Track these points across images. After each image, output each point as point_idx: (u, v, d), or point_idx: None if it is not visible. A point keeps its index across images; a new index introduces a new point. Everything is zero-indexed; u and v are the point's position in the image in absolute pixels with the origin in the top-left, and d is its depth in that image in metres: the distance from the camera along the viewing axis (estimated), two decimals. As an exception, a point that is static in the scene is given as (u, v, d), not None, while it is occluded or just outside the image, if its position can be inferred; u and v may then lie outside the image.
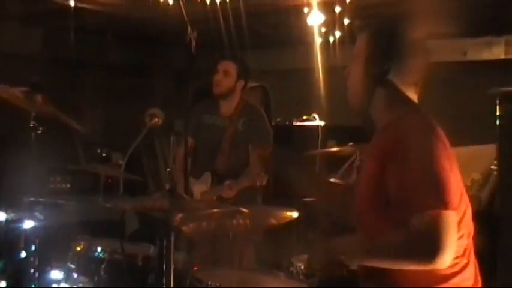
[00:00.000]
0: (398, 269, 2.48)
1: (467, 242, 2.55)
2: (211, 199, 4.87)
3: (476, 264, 2.64)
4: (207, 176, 5.11)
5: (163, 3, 5.21)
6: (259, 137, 5.08)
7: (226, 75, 5.05)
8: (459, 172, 2.53)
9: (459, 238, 2.46)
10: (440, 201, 2.34)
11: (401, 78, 2.62)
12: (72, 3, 5.47)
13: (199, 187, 5.08)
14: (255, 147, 5.02)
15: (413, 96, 2.66)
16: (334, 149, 4.63)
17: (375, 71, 2.63)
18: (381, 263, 2.54)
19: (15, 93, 3.49)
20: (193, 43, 3.00)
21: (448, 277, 2.47)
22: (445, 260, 2.30)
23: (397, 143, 2.51)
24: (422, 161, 2.42)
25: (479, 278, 2.62)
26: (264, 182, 4.79)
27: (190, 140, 4.97)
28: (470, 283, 2.54)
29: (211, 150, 5.18)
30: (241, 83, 5.11)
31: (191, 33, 3.00)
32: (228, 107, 5.17)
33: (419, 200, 2.35)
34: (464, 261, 2.52)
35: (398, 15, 2.83)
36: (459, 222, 2.43)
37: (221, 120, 5.19)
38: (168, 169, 2.96)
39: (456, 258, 2.46)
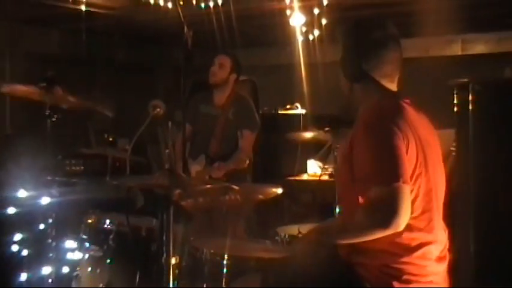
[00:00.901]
0: (370, 245, 2.49)
1: (429, 218, 2.54)
2: (205, 178, 4.85)
3: (446, 242, 2.65)
4: (202, 158, 5.12)
5: (163, 7, 5.22)
6: (248, 124, 5.09)
7: (221, 67, 5.06)
8: (423, 154, 2.54)
9: (420, 214, 2.49)
10: (394, 176, 2.36)
11: (377, 71, 2.61)
12: (83, 8, 5.46)
13: (195, 167, 5.07)
14: (244, 133, 5.04)
15: (391, 85, 2.66)
16: (312, 133, 4.62)
17: (347, 71, 2.66)
18: (350, 239, 2.56)
19: (33, 89, 3.47)
20: (190, 42, 2.99)
21: (411, 250, 2.48)
22: (400, 225, 2.34)
23: (362, 125, 2.57)
24: (379, 141, 2.45)
25: (446, 254, 2.63)
26: (245, 165, 4.86)
27: (188, 127, 4.99)
28: (434, 256, 2.54)
29: (206, 136, 5.17)
30: (234, 76, 5.11)
31: (188, 33, 2.99)
32: (220, 97, 5.16)
33: (376, 175, 2.39)
34: (428, 237, 2.52)
35: (364, 18, 2.83)
36: (414, 200, 2.45)
37: (214, 110, 5.18)
38: (167, 151, 2.97)
39: (418, 232, 2.48)
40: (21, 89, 3.61)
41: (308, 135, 4.88)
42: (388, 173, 2.39)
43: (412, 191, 2.44)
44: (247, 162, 4.83)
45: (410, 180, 2.44)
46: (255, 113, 5.23)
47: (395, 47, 2.65)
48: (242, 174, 5.04)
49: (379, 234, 2.41)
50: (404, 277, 2.46)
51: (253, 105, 5.26)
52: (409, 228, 2.45)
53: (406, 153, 2.43)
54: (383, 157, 2.42)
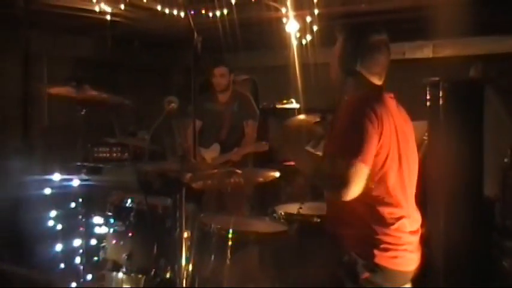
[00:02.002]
0: (353, 219, 2.51)
1: (404, 197, 2.53)
2: (219, 162, 4.94)
3: (419, 218, 2.65)
4: (215, 146, 5.16)
5: (176, 16, 5.21)
6: (250, 115, 5.15)
7: (222, 77, 5.12)
8: (398, 142, 2.52)
9: (395, 192, 2.49)
10: (355, 153, 2.37)
11: (367, 69, 2.60)
12: (108, 18, 5.45)
13: (210, 154, 5.13)
14: (248, 123, 5.10)
15: (378, 81, 2.65)
16: (303, 116, 4.63)
17: (345, 67, 2.63)
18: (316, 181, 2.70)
19: (67, 89, 3.45)
20: (199, 46, 2.98)
21: (389, 223, 2.48)
22: (348, 196, 2.37)
23: (345, 109, 2.61)
24: (353, 122, 2.46)
25: (418, 228, 2.62)
26: (266, 148, 4.88)
27: (197, 122, 4.96)
28: (407, 229, 2.53)
29: (215, 128, 5.22)
30: (232, 76, 5.18)
31: (197, 39, 2.98)
32: (224, 96, 5.21)
33: (341, 150, 2.42)
34: (402, 212, 2.51)
35: (362, 24, 2.83)
36: (388, 180, 2.46)
37: (219, 106, 5.22)
38: (179, 141, 2.96)
39: (394, 208, 2.48)
40: (59, 89, 3.61)
41: (300, 118, 4.90)
42: (350, 149, 2.40)
43: (386, 172, 2.46)
44: (267, 146, 4.86)
45: (384, 162, 2.45)
46: (255, 105, 5.28)
47: (386, 50, 2.64)
48: (245, 159, 5.05)
49: (331, 196, 2.56)
50: (383, 246, 2.46)
51: (252, 99, 5.31)
52: (386, 204, 2.47)
53: (379, 139, 2.43)
54: (352, 136, 2.44)
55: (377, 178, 2.46)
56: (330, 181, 2.46)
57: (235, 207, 3.94)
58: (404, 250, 2.49)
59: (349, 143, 2.42)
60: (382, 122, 2.45)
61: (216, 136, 5.22)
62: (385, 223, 2.47)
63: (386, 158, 2.46)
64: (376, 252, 2.44)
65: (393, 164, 2.48)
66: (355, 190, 2.37)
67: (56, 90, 3.71)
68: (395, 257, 2.46)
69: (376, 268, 2.43)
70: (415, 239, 2.58)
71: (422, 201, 2.84)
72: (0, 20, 6.44)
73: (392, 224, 2.48)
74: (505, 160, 4.75)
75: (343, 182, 2.36)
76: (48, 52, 7.32)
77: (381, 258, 2.44)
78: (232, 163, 4.89)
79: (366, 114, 2.44)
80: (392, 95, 2.65)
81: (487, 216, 4.71)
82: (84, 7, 5.39)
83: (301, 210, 3.46)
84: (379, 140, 2.43)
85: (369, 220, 2.48)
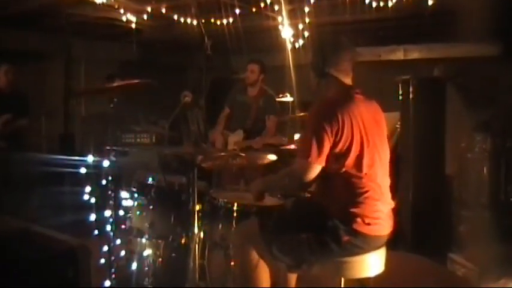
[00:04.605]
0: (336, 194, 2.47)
1: (375, 174, 2.45)
2: (242, 146, 4.81)
3: (389, 192, 2.56)
4: (240, 132, 5.04)
5: (189, 24, 5.18)
6: (273, 111, 4.98)
7: (252, 72, 4.96)
8: (365, 131, 2.43)
9: (368, 171, 2.41)
10: (307, 153, 2.37)
11: (337, 70, 2.50)
12: (133, 26, 5.40)
13: (234, 138, 5.03)
14: (270, 118, 4.93)
15: (346, 78, 2.54)
16: (301, 114, 4.58)
17: (315, 71, 2.55)
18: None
19: (100, 85, 3.36)
20: (209, 48, 2.93)
21: (364, 197, 2.42)
22: (300, 190, 2.55)
23: (309, 113, 2.57)
24: (312, 123, 2.43)
25: (389, 200, 2.54)
26: (284, 143, 4.63)
27: (227, 110, 5.18)
28: (381, 201, 2.46)
29: (242, 117, 5.09)
30: (262, 76, 5.00)
31: (208, 42, 2.92)
32: (253, 91, 5.05)
33: (299, 149, 2.47)
34: (374, 186, 2.44)
35: (326, 32, 2.76)
36: (361, 161, 2.41)
37: (248, 99, 5.08)
38: (193, 128, 2.90)
39: (367, 183, 2.42)
40: (94, 85, 3.53)
41: (296, 115, 4.86)
42: (304, 149, 2.39)
43: (356, 156, 2.40)
44: (286, 141, 4.69)
45: (350, 148, 2.39)
46: (277, 103, 5.11)
47: (347, 46, 2.54)
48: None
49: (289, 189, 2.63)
50: (359, 214, 2.40)
51: (275, 97, 5.13)
52: (361, 181, 2.42)
53: (338, 135, 2.37)
54: (307, 136, 2.41)
55: (349, 162, 2.41)
56: (289, 178, 2.54)
57: (239, 184, 3.86)
58: (377, 218, 2.43)
59: (303, 143, 2.44)
60: (342, 118, 2.38)
61: (242, 124, 5.09)
62: (360, 196, 2.42)
63: (351, 144, 2.39)
64: (354, 219, 2.39)
65: (361, 148, 2.42)
66: (306, 185, 2.44)
67: (92, 86, 3.64)
68: (370, 224, 2.40)
69: (354, 233, 2.39)
70: (387, 208, 2.51)
71: (395, 177, 2.77)
72: (47, 28, 6.44)
73: (367, 197, 2.42)
74: (462, 144, 4.71)
75: (296, 180, 2.44)
76: (86, 55, 7.30)
77: (358, 225, 2.39)
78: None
79: (324, 117, 2.39)
80: (359, 91, 2.53)
81: (447, 190, 4.72)
82: (114, 17, 5.34)
83: None
84: (339, 135, 2.37)
85: (347, 194, 2.43)
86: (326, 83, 2.53)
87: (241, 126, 5.07)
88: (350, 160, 2.41)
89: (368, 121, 2.46)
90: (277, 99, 5.12)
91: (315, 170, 2.39)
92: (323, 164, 2.39)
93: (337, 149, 2.39)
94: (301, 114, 4.60)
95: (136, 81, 3.09)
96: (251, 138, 4.95)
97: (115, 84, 3.31)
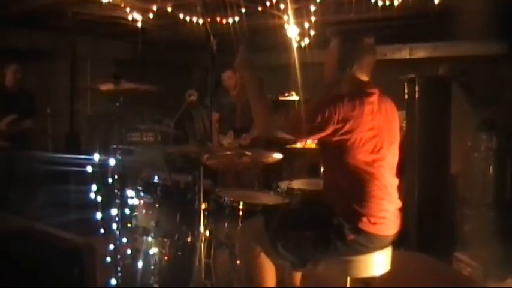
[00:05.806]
0: (340, 191, 2.44)
1: (382, 171, 2.42)
2: (234, 146, 4.84)
3: (396, 189, 2.53)
4: (230, 133, 5.10)
5: (195, 23, 5.15)
6: None
7: (230, 79, 5.05)
8: (378, 126, 2.40)
9: (375, 168, 2.38)
10: (310, 119, 2.35)
11: (358, 68, 2.49)
12: (139, 25, 5.39)
13: (227, 140, 5.09)
14: None
15: (365, 77, 2.53)
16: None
17: (341, 66, 2.51)
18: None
19: (107, 85, 3.34)
20: (215, 48, 2.92)
21: (370, 195, 2.39)
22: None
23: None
24: (321, 105, 2.39)
25: (396, 198, 2.51)
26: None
27: (215, 114, 5.18)
28: (386, 197, 2.44)
29: (231, 117, 5.14)
30: (237, 74, 5.01)
31: (213, 42, 2.90)
32: (235, 91, 5.13)
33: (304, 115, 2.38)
34: (380, 184, 2.41)
35: (355, 31, 2.73)
36: (365, 164, 2.37)
37: (232, 99, 5.13)
38: (198, 127, 2.88)
39: (374, 182, 2.39)
40: (100, 84, 3.52)
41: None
42: (309, 115, 2.36)
43: (366, 151, 2.37)
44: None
45: (360, 143, 2.36)
46: None
47: (374, 52, 2.55)
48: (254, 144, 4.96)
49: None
50: (365, 213, 2.38)
51: None
52: (368, 179, 2.39)
53: (346, 123, 2.34)
54: (314, 107, 2.41)
55: (357, 156, 2.37)
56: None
57: (245, 183, 3.86)
58: (384, 218, 2.41)
59: (310, 112, 2.39)
60: (353, 108, 2.36)
61: (232, 124, 5.14)
62: (366, 195, 2.39)
63: (361, 139, 2.36)
64: (359, 218, 2.37)
65: (370, 144, 2.39)
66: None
67: (97, 85, 3.63)
68: (376, 223, 2.38)
69: (359, 231, 2.37)
70: (394, 207, 2.49)
71: (401, 176, 2.75)
72: (52, 27, 6.43)
73: (373, 196, 2.39)
74: (468, 143, 4.68)
75: (295, 132, 2.44)
76: (91, 54, 7.29)
77: (364, 224, 2.37)
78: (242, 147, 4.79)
79: (336, 100, 2.37)
80: (376, 90, 2.51)
81: (452, 189, 4.70)
82: (119, 16, 5.33)
83: (294, 185, 3.36)
84: (346, 125, 2.35)
85: (354, 193, 2.41)
86: (345, 81, 2.52)
87: (232, 127, 5.14)
88: (358, 154, 2.37)
89: (380, 119, 2.44)
90: (282, 98, 5.12)
91: (309, 136, 2.40)
92: (319, 132, 2.36)
93: (345, 139, 2.35)
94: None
95: (145, 86, 3.08)
96: (241, 136, 5.00)
97: (122, 85, 3.30)
